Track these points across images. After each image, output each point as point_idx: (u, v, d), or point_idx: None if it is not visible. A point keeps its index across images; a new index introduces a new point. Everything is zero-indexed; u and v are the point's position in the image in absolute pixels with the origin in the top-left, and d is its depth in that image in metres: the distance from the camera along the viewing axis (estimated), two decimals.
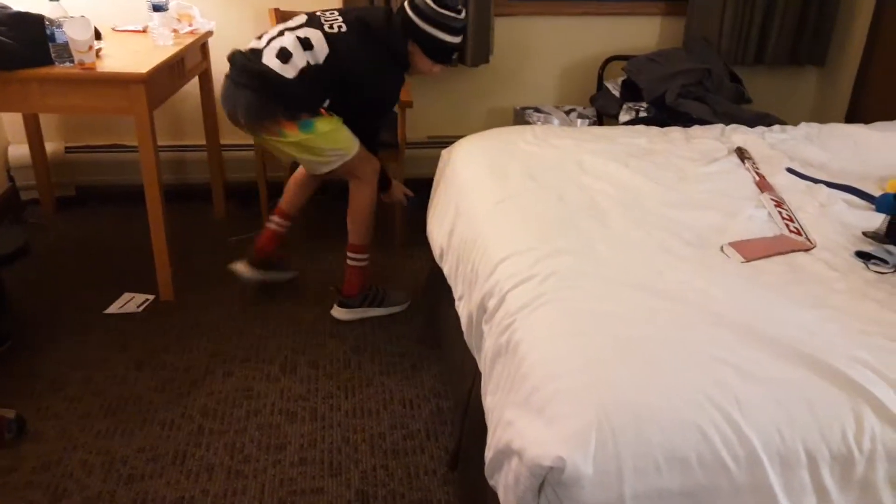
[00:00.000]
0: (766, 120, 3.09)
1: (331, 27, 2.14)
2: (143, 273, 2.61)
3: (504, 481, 1.06)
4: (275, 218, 2.56)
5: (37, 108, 2.55)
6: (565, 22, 3.47)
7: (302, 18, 2.22)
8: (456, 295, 1.71)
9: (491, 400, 1.23)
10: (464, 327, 1.55)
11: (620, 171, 1.81)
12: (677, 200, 1.64)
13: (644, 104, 3.27)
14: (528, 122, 3.30)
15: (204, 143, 3.19)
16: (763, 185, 1.76)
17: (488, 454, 1.13)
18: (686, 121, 3.09)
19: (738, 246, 1.43)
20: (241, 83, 2.16)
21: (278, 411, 2.03)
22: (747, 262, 1.39)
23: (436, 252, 1.99)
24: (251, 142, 2.92)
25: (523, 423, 1.03)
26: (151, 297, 2.58)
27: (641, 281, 1.26)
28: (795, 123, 2.44)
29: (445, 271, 1.87)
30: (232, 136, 3.29)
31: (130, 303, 2.56)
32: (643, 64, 3.33)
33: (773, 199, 1.66)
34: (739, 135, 2.14)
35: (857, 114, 3.55)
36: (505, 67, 3.47)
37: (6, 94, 2.24)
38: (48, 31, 2.17)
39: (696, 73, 3.14)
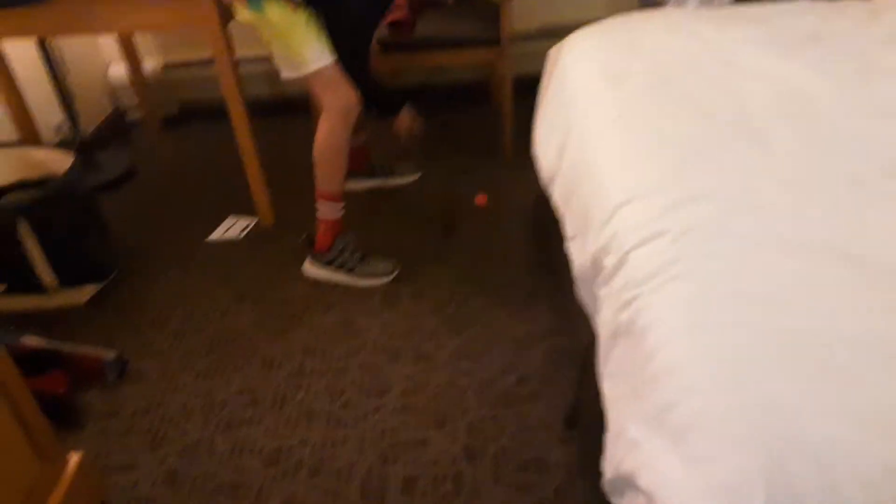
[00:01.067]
0: None
1: None
2: (246, 194, 2.50)
3: None
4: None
5: (101, 28, 2.41)
6: None
7: None
8: (567, 233, 1.43)
9: (609, 388, 0.97)
10: (575, 277, 1.28)
11: (783, 67, 1.39)
12: (867, 107, 1.22)
13: None
14: (658, 5, 2.79)
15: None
16: None
17: (607, 469, 0.90)
18: None
19: None
20: None
21: (380, 349, 1.89)
22: None
23: (543, 174, 1.69)
24: None
25: (654, 452, 0.77)
26: (254, 220, 2.48)
27: (824, 240, 0.90)
28: None
29: (554, 199, 1.57)
30: None
31: (233, 228, 2.48)
32: None
33: None
34: None
35: None
36: None
37: (75, 18, 2.10)
38: None
39: None
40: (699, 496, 0.68)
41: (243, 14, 1.82)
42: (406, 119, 2.15)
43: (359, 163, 2.44)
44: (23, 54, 2.48)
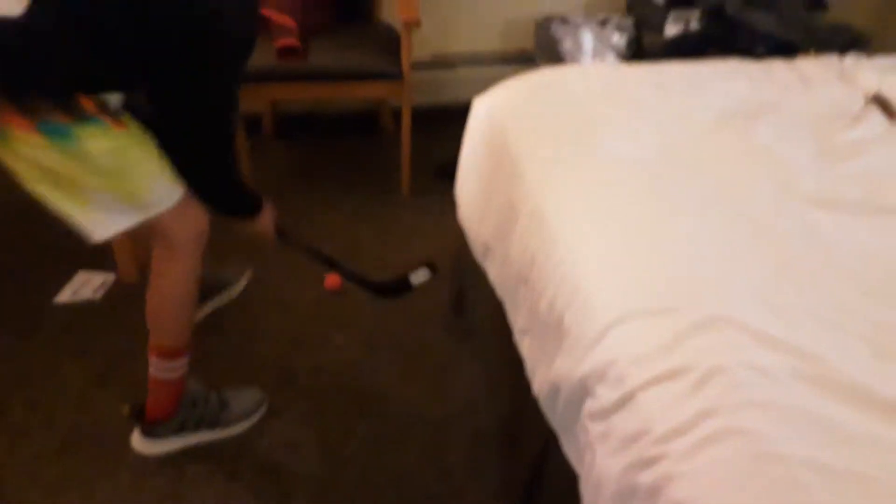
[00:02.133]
0: (847, 34, 2.55)
1: None
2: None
3: None
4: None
5: None
6: None
7: None
8: (515, 325, 1.26)
9: None
10: (539, 386, 1.10)
11: (746, 148, 1.30)
12: (838, 198, 1.14)
13: (695, 12, 2.70)
14: (552, 37, 2.72)
15: None
16: None
17: None
18: (749, 36, 2.55)
19: None
20: None
21: (278, 445, 1.61)
22: None
23: (476, 248, 1.51)
24: None
25: None
26: (111, 276, 2.10)
27: (868, 385, 0.78)
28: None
29: (492, 278, 1.40)
30: None
31: (86, 285, 2.09)
32: None
33: None
34: (866, 71, 1.62)
35: None
36: None
37: None
38: None
39: None
40: None
41: (36, 149, 1.11)
42: (268, 219, 1.56)
43: None
44: None
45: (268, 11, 2.32)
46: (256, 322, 1.96)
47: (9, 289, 2.04)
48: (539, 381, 1.10)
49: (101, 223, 1.24)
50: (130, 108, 1.23)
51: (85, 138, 1.12)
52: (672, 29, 2.72)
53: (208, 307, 1.93)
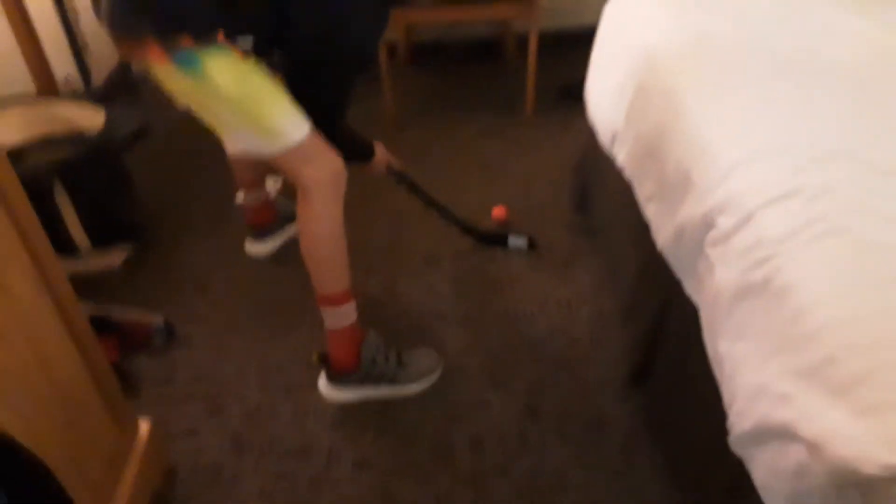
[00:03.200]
0: None
1: None
2: None
3: (771, 463, 0.85)
4: (245, 191, 2.01)
5: None
6: None
7: None
8: (642, 194, 1.43)
9: (730, 348, 0.99)
10: (664, 238, 1.28)
11: (864, 25, 1.40)
12: None
13: None
14: None
15: None
16: None
17: (742, 423, 0.92)
18: None
19: None
20: None
21: (426, 313, 1.89)
22: None
23: (604, 136, 1.68)
24: None
25: (813, 404, 0.79)
26: (272, 182, 2.43)
27: None
28: None
29: (620, 160, 1.57)
30: None
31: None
32: None
33: None
34: None
35: None
36: None
37: None
38: None
39: None
40: (873, 442, 0.71)
41: (167, 74, 1.25)
42: (381, 161, 1.79)
43: (265, 217, 2.08)
44: (35, 2, 2.36)
45: None
46: (403, 212, 2.23)
47: (198, 190, 2.42)
48: (664, 235, 1.28)
49: (235, 141, 1.39)
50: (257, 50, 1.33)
51: (211, 66, 1.22)
52: None
53: (282, 237, 2.10)
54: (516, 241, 2.05)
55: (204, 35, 1.21)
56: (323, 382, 1.65)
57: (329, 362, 1.61)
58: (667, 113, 1.33)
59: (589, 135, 1.87)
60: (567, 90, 2.78)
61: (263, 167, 1.96)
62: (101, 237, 2.04)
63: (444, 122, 2.73)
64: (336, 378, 1.62)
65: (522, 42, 2.87)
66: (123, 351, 1.76)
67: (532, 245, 2.05)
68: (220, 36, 1.23)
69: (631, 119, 1.49)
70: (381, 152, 1.80)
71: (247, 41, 1.30)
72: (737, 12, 1.51)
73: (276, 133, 1.32)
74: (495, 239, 2.07)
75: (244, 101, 1.28)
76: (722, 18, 1.49)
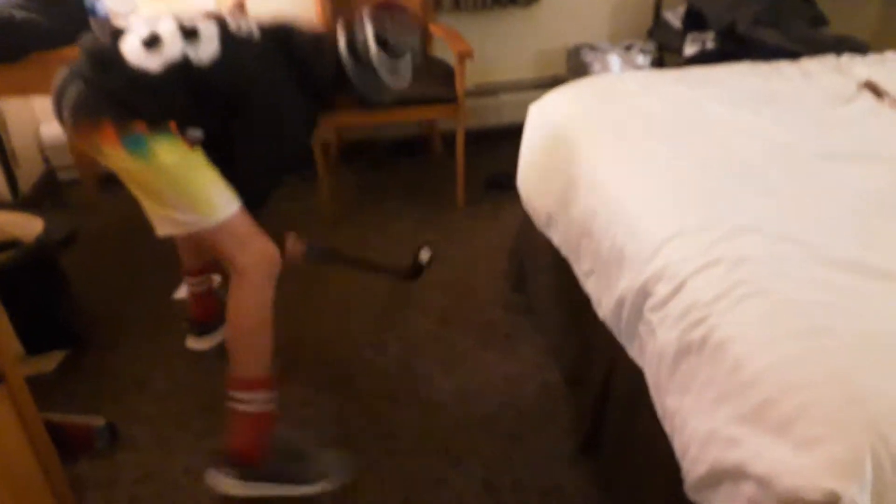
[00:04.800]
0: (848, 44, 2.87)
1: (237, 28, 1.49)
2: None
3: (727, 502, 0.94)
4: (190, 279, 2.03)
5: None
6: None
7: (205, 9, 1.63)
8: (580, 270, 1.57)
9: (678, 402, 1.09)
10: (605, 309, 1.41)
11: (753, 119, 1.62)
12: (833, 152, 1.46)
13: (710, 34, 3.04)
14: (584, 62, 3.08)
15: None
16: None
17: (696, 469, 1.01)
18: (760, 51, 2.88)
19: None
20: (77, 71, 1.44)
21: (378, 396, 1.92)
22: None
23: (539, 219, 1.83)
24: None
25: (759, 444, 0.89)
26: (217, 277, 2.45)
27: (855, 259, 1.09)
28: None
29: (556, 241, 1.71)
30: None
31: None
32: None
33: None
34: (860, 66, 1.94)
35: None
36: (554, 4, 3.24)
37: (45, 77, 2.04)
38: (87, 4, 1.97)
39: None
40: (819, 472, 0.81)
41: (116, 156, 1.40)
42: (293, 253, 1.85)
43: (208, 309, 2.08)
44: None
45: None
46: (348, 303, 2.28)
47: (132, 291, 2.40)
48: (605, 306, 1.41)
49: (168, 223, 1.49)
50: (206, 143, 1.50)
51: (158, 150, 1.39)
52: (690, 49, 3.06)
53: (220, 332, 2.06)
54: (424, 256, 2.31)
55: (156, 123, 1.39)
56: (216, 474, 1.56)
57: (229, 452, 1.54)
58: (595, 198, 1.48)
59: (522, 219, 2.02)
60: (494, 181, 2.98)
61: (208, 255, 1.98)
62: (37, 343, 1.98)
63: (379, 216, 2.84)
64: (240, 471, 1.54)
65: (448, 138, 3.06)
66: (64, 456, 1.69)
67: (428, 248, 2.33)
68: (173, 125, 1.42)
69: (563, 204, 1.64)
70: (291, 244, 1.85)
71: (196, 131, 1.47)
72: (646, 109, 1.71)
73: (211, 206, 1.45)
74: (416, 268, 2.31)
75: (183, 178, 1.44)
76: (634, 115, 1.69)
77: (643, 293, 1.23)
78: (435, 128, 3.34)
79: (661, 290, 1.17)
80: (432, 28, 2.98)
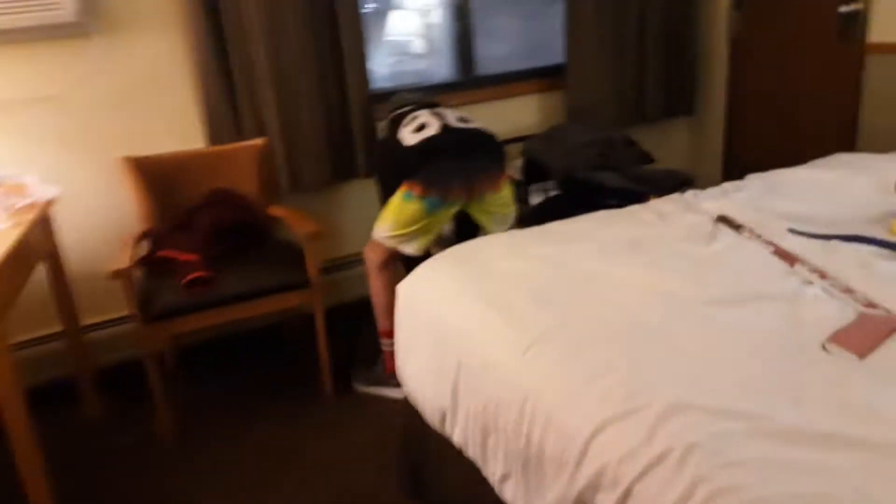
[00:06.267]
0: (678, 176, 3.05)
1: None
2: None
3: None
4: (386, 341, 2.49)
5: None
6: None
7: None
8: (492, 473, 1.33)
9: None
10: None
11: (628, 271, 1.54)
12: (718, 296, 1.39)
13: (550, 183, 3.13)
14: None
15: (59, 329, 2.58)
16: (783, 254, 1.57)
17: None
18: (601, 193, 2.98)
19: (839, 341, 1.19)
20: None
21: None
22: (863, 358, 1.15)
23: (431, 416, 1.59)
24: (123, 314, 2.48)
25: None
26: None
27: (801, 427, 0.95)
28: None
29: (457, 439, 1.47)
30: (99, 313, 2.72)
31: None
32: (542, 143, 3.21)
33: (813, 271, 1.47)
34: (706, 201, 1.98)
35: (731, 158, 3.67)
36: None
37: None
38: None
39: (598, 143, 3.05)
40: None
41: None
42: None
43: None
44: None
45: (170, 253, 2.44)
46: None
47: None
48: None
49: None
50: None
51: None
52: (536, 198, 3.12)
53: None
54: None
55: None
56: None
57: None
58: (492, 386, 1.28)
59: (409, 409, 1.77)
60: (361, 360, 2.71)
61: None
62: None
63: (233, 428, 2.45)
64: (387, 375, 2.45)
65: (304, 319, 2.80)
66: None
67: None
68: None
69: (459, 397, 1.43)
70: None
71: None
72: (520, 274, 1.59)
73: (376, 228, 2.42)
74: None
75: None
76: (509, 282, 1.55)
77: None
78: (288, 313, 3.06)
79: (605, 501, 0.96)
80: (273, 211, 2.80)
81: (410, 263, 2.45)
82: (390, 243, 2.36)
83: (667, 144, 3.78)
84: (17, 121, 2.50)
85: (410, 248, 2.36)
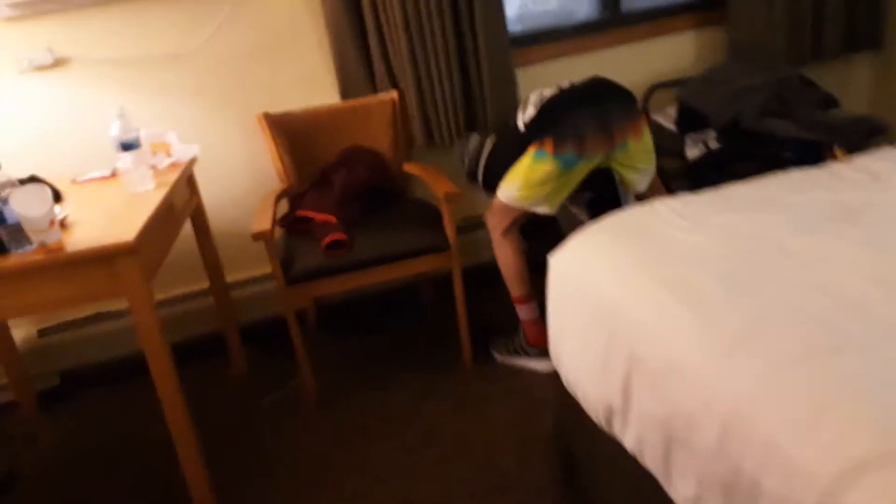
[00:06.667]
0: (869, 123, 2.60)
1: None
2: (167, 471, 1.99)
3: None
4: (522, 307, 2.34)
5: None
6: (589, 58, 2.98)
7: None
8: (679, 495, 1.13)
9: None
10: None
11: (853, 254, 1.25)
12: None
13: (710, 133, 2.77)
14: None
15: (206, 286, 2.61)
16: None
17: None
18: (770, 145, 2.60)
19: None
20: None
21: None
22: None
23: (594, 410, 1.40)
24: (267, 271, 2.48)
25: None
26: None
27: None
28: None
29: (630, 445, 1.28)
30: (238, 270, 2.73)
31: None
32: (699, 86, 2.84)
33: None
34: None
35: None
36: None
37: None
38: None
39: (769, 85, 2.65)
40: None
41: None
42: None
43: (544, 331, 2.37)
44: None
45: (308, 212, 2.37)
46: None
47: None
48: None
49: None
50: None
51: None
52: (693, 151, 2.78)
53: None
54: None
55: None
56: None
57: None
58: (680, 389, 1.07)
59: (560, 390, 1.59)
60: (500, 329, 2.56)
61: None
62: None
63: (372, 391, 2.39)
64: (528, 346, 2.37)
65: (440, 281, 2.69)
66: None
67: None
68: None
69: (632, 399, 1.23)
70: None
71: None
72: (705, 252, 1.34)
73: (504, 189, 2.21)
74: None
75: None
76: (693, 262, 1.31)
77: None
78: (424, 275, 2.96)
79: None
80: (407, 168, 2.67)
81: (528, 229, 2.35)
82: (519, 204, 2.16)
83: (846, 86, 3.27)
84: (156, 77, 2.49)
85: (543, 209, 2.16)
